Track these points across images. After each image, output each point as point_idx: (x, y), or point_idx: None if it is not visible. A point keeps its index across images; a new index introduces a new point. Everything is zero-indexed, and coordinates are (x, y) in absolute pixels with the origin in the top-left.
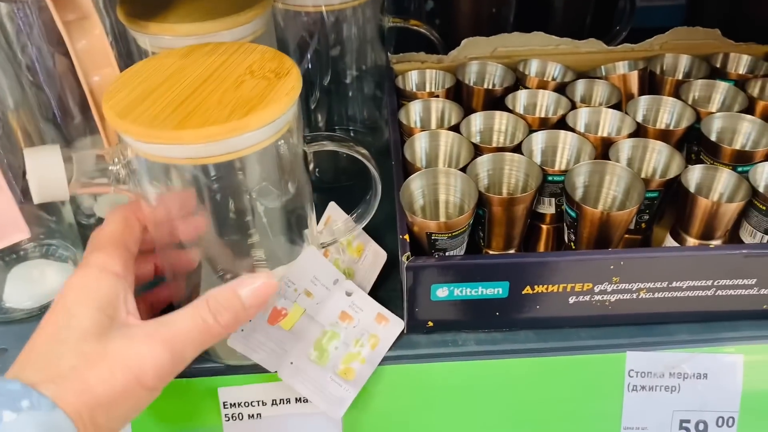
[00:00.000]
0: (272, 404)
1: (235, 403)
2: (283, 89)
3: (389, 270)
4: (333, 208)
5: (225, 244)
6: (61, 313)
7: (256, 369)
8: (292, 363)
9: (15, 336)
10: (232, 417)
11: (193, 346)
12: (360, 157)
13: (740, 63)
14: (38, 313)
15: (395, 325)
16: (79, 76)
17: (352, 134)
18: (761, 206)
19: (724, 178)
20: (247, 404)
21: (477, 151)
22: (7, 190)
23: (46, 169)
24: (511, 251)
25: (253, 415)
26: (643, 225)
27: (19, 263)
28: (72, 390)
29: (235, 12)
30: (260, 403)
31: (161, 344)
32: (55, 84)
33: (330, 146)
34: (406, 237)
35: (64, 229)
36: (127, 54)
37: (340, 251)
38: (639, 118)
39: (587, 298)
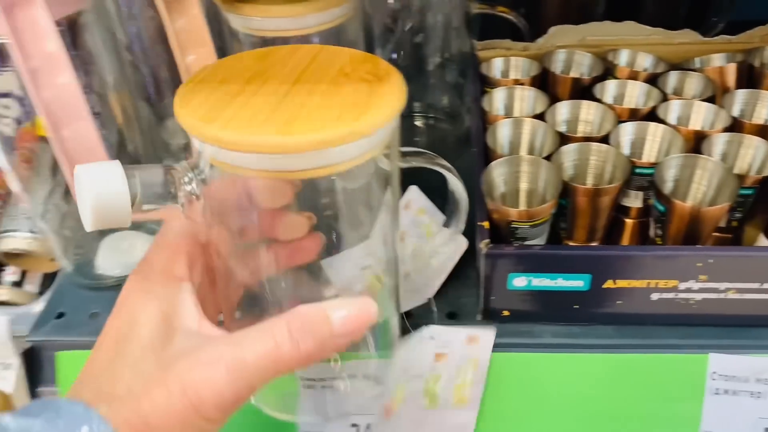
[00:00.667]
0: None
1: None
2: (389, 90)
3: (464, 256)
4: (414, 192)
5: (304, 270)
6: (125, 318)
7: None
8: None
9: (106, 301)
10: None
11: (261, 375)
12: (443, 171)
13: None
14: None
15: (487, 336)
16: (175, 55)
17: (432, 121)
18: None
19: None
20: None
21: (562, 140)
22: (99, 140)
23: (106, 190)
24: (594, 244)
25: None
26: (735, 223)
27: (111, 233)
28: (126, 415)
29: None
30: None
31: (226, 371)
32: (150, 63)
33: (416, 162)
34: (486, 224)
35: None
36: (219, 35)
37: (422, 237)
38: (735, 113)
39: (671, 295)
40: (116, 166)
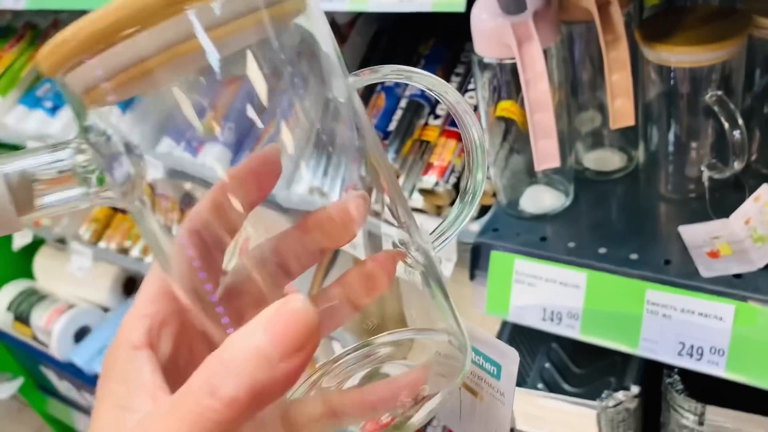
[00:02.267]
0: (681, 311)
1: (658, 304)
2: None
3: None
4: (765, 188)
5: None
6: (95, 401)
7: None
8: None
9: (525, 227)
10: (655, 313)
11: None
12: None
13: None
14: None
15: None
16: (606, 74)
17: None
18: None
19: None
20: (669, 306)
21: None
22: (554, 126)
23: None
24: None
25: (666, 315)
26: None
27: (534, 184)
28: None
29: (723, 39)
30: (674, 307)
31: None
32: (579, 70)
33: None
34: None
35: (566, 168)
36: (634, 62)
37: (763, 223)
38: None
39: None
40: None
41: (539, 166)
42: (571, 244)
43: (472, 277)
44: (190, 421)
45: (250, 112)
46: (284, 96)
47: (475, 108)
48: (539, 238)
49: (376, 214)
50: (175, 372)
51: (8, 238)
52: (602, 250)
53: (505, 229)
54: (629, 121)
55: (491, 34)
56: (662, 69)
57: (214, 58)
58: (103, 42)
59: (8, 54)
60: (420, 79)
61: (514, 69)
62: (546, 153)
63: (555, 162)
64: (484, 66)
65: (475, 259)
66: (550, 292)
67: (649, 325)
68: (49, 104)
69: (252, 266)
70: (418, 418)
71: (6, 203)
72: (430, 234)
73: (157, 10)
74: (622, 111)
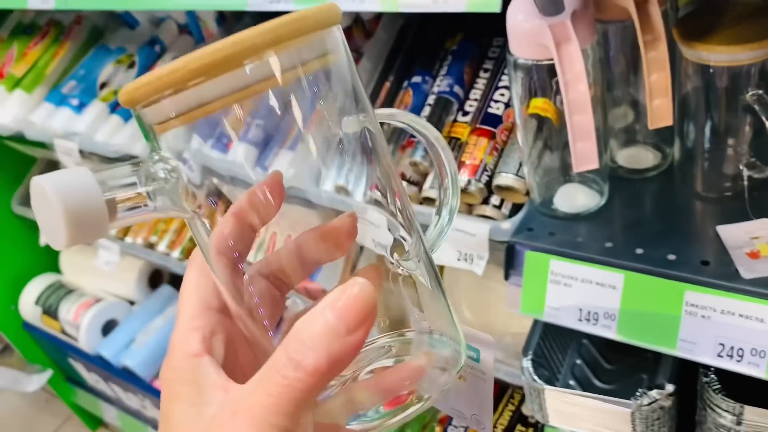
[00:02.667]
0: (721, 312)
1: (697, 305)
2: None
3: None
4: None
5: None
6: (163, 417)
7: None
8: None
9: (559, 226)
10: (693, 314)
11: (284, 416)
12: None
13: None
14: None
15: None
16: (644, 74)
17: None
18: None
19: None
20: (708, 308)
21: None
22: (593, 127)
23: (78, 201)
24: None
25: (705, 316)
26: None
27: (567, 183)
28: None
29: (764, 37)
30: (713, 308)
31: (247, 424)
32: (612, 69)
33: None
34: None
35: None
36: (672, 60)
37: None
38: None
39: None
40: (86, 172)
41: (578, 168)
42: (608, 245)
43: (506, 276)
44: (278, 393)
45: (287, 133)
46: (313, 120)
47: (507, 104)
48: (574, 237)
49: (393, 215)
50: (228, 373)
51: (35, 233)
52: (639, 251)
53: (540, 229)
54: (667, 121)
55: (528, 35)
56: (701, 67)
57: (261, 99)
58: (175, 88)
59: (33, 51)
60: (402, 117)
61: (549, 69)
62: (585, 155)
63: (594, 164)
64: (518, 65)
65: (510, 258)
66: (587, 293)
67: (688, 326)
68: (75, 102)
69: (274, 265)
70: (425, 400)
71: (104, 211)
72: None
73: (219, 65)
74: (660, 111)
